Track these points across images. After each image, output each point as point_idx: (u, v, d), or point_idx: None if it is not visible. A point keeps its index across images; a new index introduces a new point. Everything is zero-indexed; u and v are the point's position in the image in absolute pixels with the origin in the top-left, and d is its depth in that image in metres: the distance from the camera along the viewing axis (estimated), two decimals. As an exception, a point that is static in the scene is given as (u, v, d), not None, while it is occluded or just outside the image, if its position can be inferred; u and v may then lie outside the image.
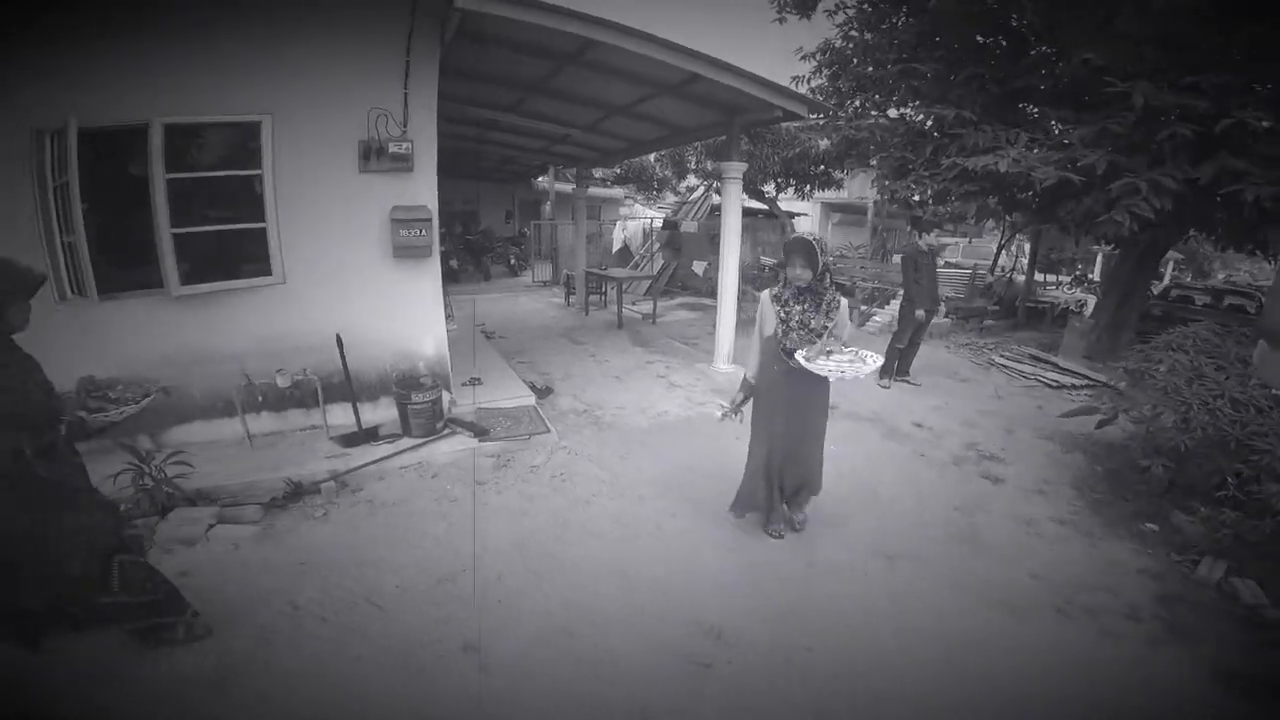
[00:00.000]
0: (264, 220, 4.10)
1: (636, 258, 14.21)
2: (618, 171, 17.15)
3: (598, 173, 16.15)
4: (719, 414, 3.44)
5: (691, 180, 15.52)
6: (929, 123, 7.28)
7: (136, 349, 3.98)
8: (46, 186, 3.74)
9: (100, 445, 4.13)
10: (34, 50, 3.63)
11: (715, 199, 13.90)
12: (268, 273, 4.13)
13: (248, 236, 4.11)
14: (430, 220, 4.43)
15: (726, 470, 3.82)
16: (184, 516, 3.37)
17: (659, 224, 14.56)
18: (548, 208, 16.95)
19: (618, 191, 20.85)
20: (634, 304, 10.54)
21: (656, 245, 13.07)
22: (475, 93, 6.55)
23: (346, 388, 4.30)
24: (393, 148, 4.30)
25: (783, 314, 2.90)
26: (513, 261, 16.27)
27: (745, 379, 3.24)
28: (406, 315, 4.56)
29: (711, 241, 11.70)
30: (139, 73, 3.78)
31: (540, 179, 17.27)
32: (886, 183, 8.08)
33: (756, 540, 3.33)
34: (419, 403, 4.24)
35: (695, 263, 11.65)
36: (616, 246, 15.13)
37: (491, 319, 9.49)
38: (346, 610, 2.71)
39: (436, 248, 4.54)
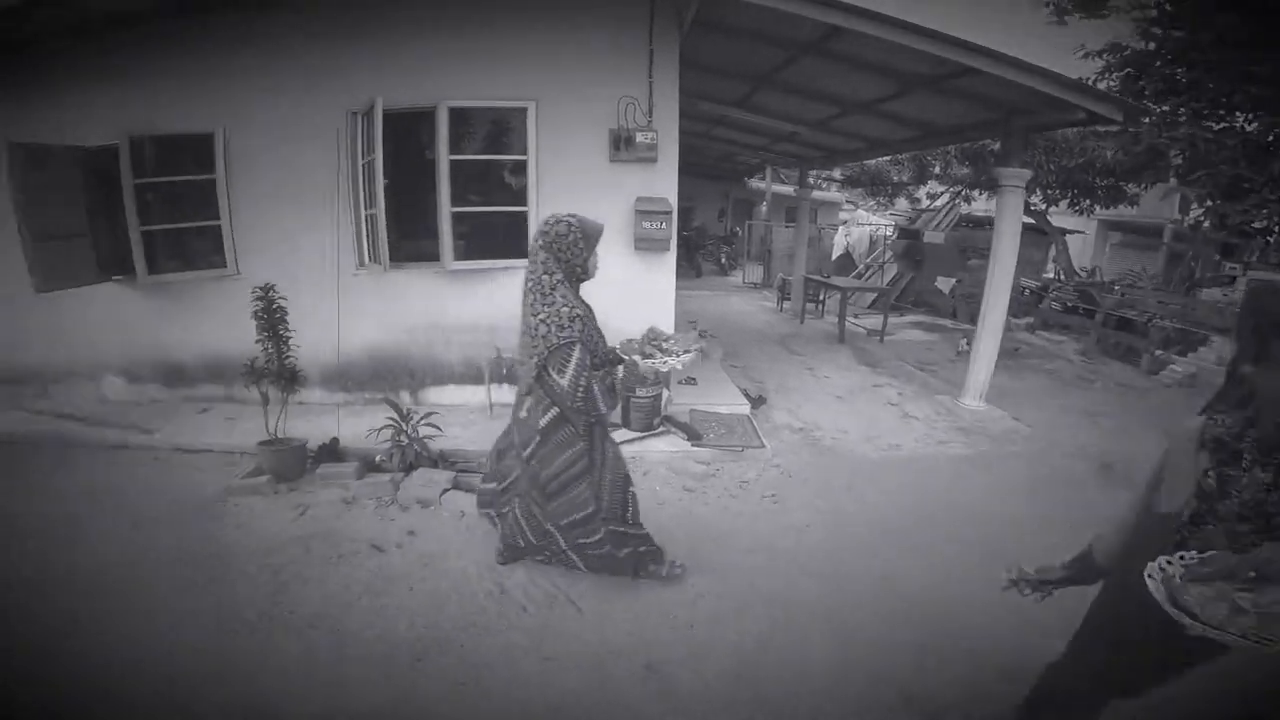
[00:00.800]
0: (526, 205, 4.41)
1: (860, 266, 13.30)
2: (846, 174, 16.26)
3: (818, 174, 15.47)
4: (1004, 578, 1.67)
5: (934, 187, 14.11)
6: (1270, 135, 5.77)
7: (413, 314, 4.57)
8: (356, 163, 4.42)
9: (361, 399, 4.88)
10: (345, 39, 4.29)
11: (965, 208, 12.47)
12: (524, 255, 4.44)
13: (510, 219, 4.48)
14: (671, 214, 4.44)
15: (983, 532, 3.26)
16: (426, 477, 3.74)
17: (888, 232, 13.49)
18: (763, 208, 16.65)
19: (837, 195, 19.86)
20: (856, 316, 9.84)
21: (889, 255, 12.07)
22: (704, 86, 6.53)
23: None
24: (640, 137, 4.38)
25: None
26: (723, 260, 16.30)
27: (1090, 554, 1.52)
28: (642, 307, 4.63)
29: (962, 255, 10.45)
30: (429, 59, 4.28)
31: (755, 178, 17.06)
32: (1211, 203, 6.59)
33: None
34: (642, 397, 4.29)
35: (940, 279, 10.49)
36: (837, 253, 14.34)
37: (704, 318, 9.50)
38: (547, 605, 2.74)
39: (674, 242, 4.54)
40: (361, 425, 4.43)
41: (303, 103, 4.45)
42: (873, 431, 5.02)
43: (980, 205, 13.35)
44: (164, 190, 4.60)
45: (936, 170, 13.14)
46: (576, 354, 2.11)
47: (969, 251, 10.61)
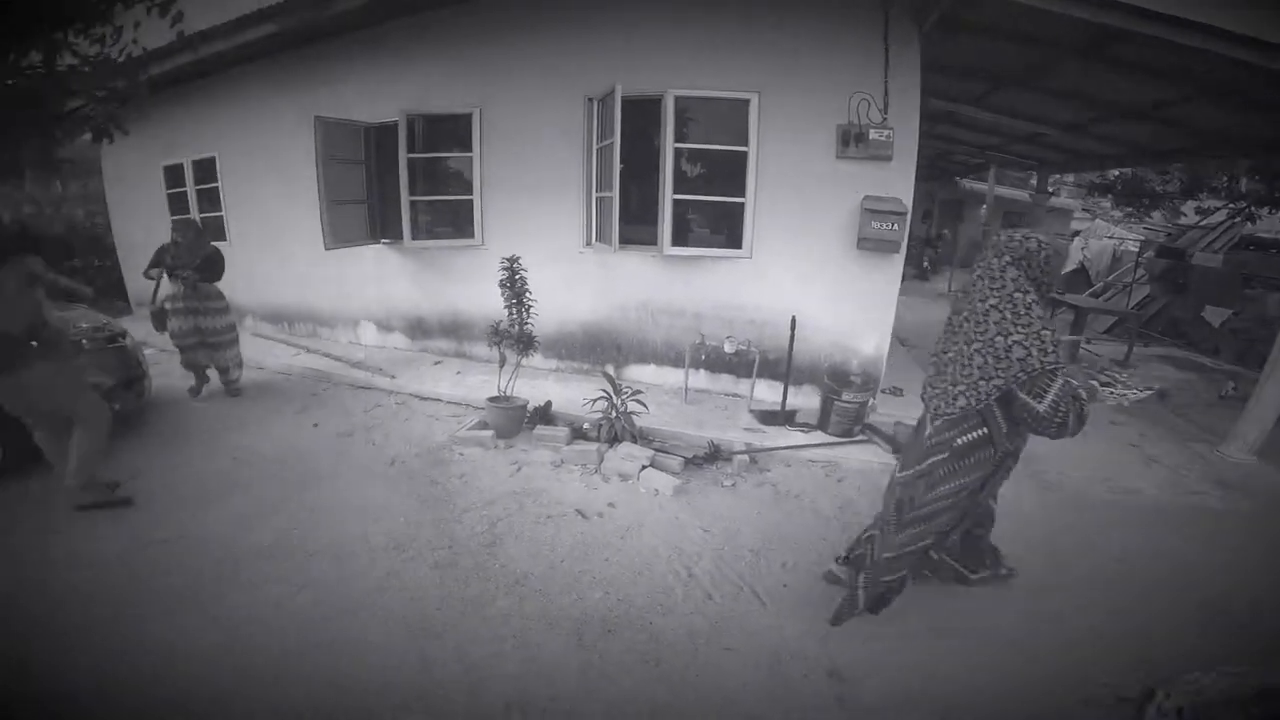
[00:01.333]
0: (743, 196, 4.45)
1: (1097, 285, 11.64)
2: (1090, 180, 14.25)
3: (1057, 179, 13.69)
4: None
5: (1208, 201, 11.87)
6: None
7: (627, 294, 4.83)
8: (591, 147, 4.73)
9: (570, 367, 5.23)
10: (585, 25, 4.60)
11: (1248, 228, 10.36)
12: (738, 245, 4.50)
13: (725, 210, 4.54)
14: (904, 214, 4.23)
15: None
16: (628, 452, 3.94)
17: (1134, 247, 11.61)
18: (982, 211, 15.17)
19: (1070, 201, 17.47)
20: (1088, 342, 8.64)
21: (1140, 274, 10.41)
22: (934, 82, 6.01)
23: (780, 368, 4.47)
24: (873, 134, 4.21)
25: None
26: (926, 264, 15.15)
27: None
28: (855, 308, 4.50)
29: (1241, 284, 8.72)
30: (658, 49, 4.44)
31: (969, 178, 15.54)
32: None
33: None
34: (847, 401, 4.15)
35: (1209, 308, 8.83)
36: (1069, 267, 12.64)
37: (903, 324, 8.92)
38: (732, 596, 2.76)
39: (904, 243, 4.31)
40: (569, 392, 4.81)
41: (546, 87, 4.88)
42: (1105, 471, 4.40)
43: (1266, 225, 10.99)
44: (429, 165, 5.32)
45: (1224, 183, 11.03)
46: (1060, 380, 2.08)
47: (1252, 280, 8.79)
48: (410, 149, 5.22)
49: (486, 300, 5.38)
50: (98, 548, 3.08)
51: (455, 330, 5.70)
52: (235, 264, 6.22)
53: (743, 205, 4.49)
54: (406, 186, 5.15)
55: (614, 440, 4.05)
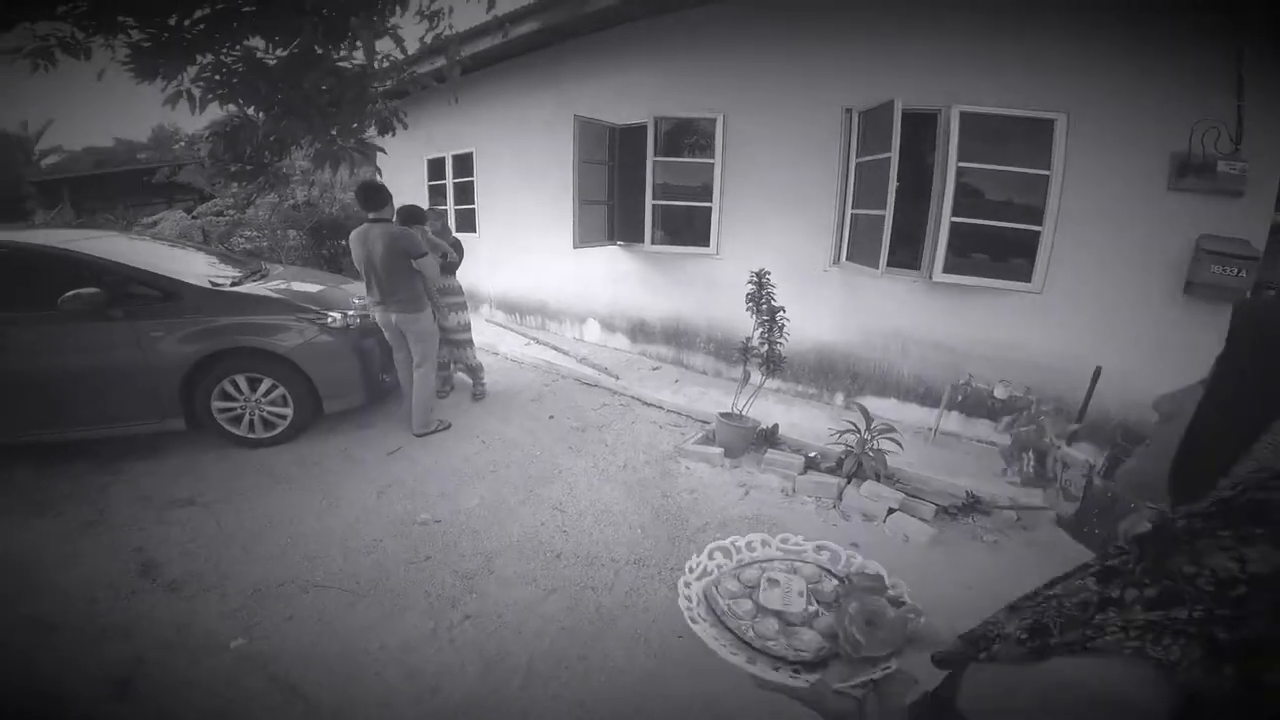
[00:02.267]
0: (1039, 224, 3.91)
1: None
2: None
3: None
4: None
5: None
6: None
7: (873, 319, 4.49)
8: (848, 162, 4.43)
9: (794, 390, 4.99)
10: (843, 36, 4.33)
11: None
12: (1026, 279, 3.98)
13: (1014, 237, 4.03)
14: (1254, 260, 3.45)
15: None
16: (874, 491, 3.63)
17: None
18: None
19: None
20: None
21: None
22: None
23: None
24: (1222, 166, 3.49)
25: None
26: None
27: None
28: (1168, 363, 3.77)
29: None
30: (938, 63, 4.03)
31: None
32: None
33: None
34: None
35: None
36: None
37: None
38: None
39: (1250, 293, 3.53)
40: (793, 416, 4.59)
41: (797, 95, 4.70)
42: None
43: None
44: (667, 169, 5.36)
45: None
46: None
47: None
48: (657, 151, 5.31)
49: (713, 310, 5.33)
50: (368, 529, 3.43)
51: (676, 337, 5.72)
52: (479, 255, 6.79)
53: (1037, 234, 3.95)
54: (651, 190, 5.22)
55: (851, 476, 3.76)
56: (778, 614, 1.01)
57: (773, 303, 4.02)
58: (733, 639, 0.98)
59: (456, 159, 7.94)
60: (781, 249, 4.87)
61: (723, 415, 4.24)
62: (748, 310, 4.08)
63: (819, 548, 1.17)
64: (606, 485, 3.89)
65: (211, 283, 4.15)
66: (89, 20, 2.44)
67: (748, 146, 4.98)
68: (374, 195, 4.08)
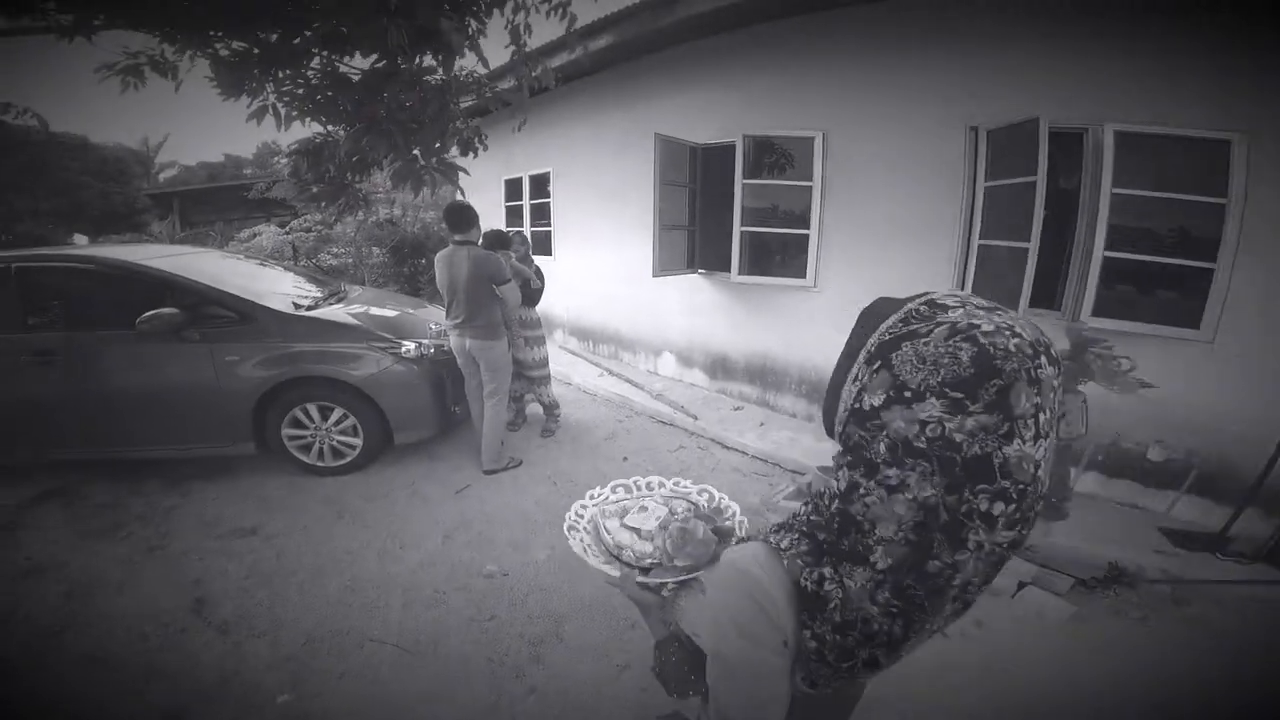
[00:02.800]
0: (1212, 261, 3.31)
1: None
2: None
3: None
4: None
5: None
6: None
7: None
8: (973, 186, 3.93)
9: None
10: (964, 46, 3.90)
11: None
12: (1194, 325, 3.36)
13: (1178, 275, 3.43)
14: None
15: None
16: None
17: None
18: None
19: None
20: None
21: None
22: None
23: (1219, 484, 3.33)
24: None
25: None
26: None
27: None
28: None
29: None
30: (1085, 76, 3.51)
31: None
32: None
33: None
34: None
35: None
36: None
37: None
38: None
39: None
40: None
41: (910, 112, 4.25)
42: None
43: None
44: (761, 192, 4.97)
45: None
46: None
47: None
48: (749, 174, 4.93)
49: (807, 348, 4.89)
50: (430, 578, 3.15)
51: (762, 375, 5.29)
52: (554, 279, 6.59)
53: (1210, 272, 3.34)
54: (740, 215, 4.85)
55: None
56: (635, 530, 1.23)
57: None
58: (600, 549, 1.25)
59: (533, 179, 7.85)
60: (890, 283, 4.39)
61: (824, 469, 3.78)
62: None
63: (701, 490, 1.40)
64: None
65: (294, 304, 4.08)
66: (178, 32, 2.33)
67: (851, 168, 4.56)
68: (462, 217, 3.96)
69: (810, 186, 4.67)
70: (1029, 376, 0.61)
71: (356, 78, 2.89)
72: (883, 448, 0.66)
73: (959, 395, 0.61)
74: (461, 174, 3.42)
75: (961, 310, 0.66)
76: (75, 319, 3.72)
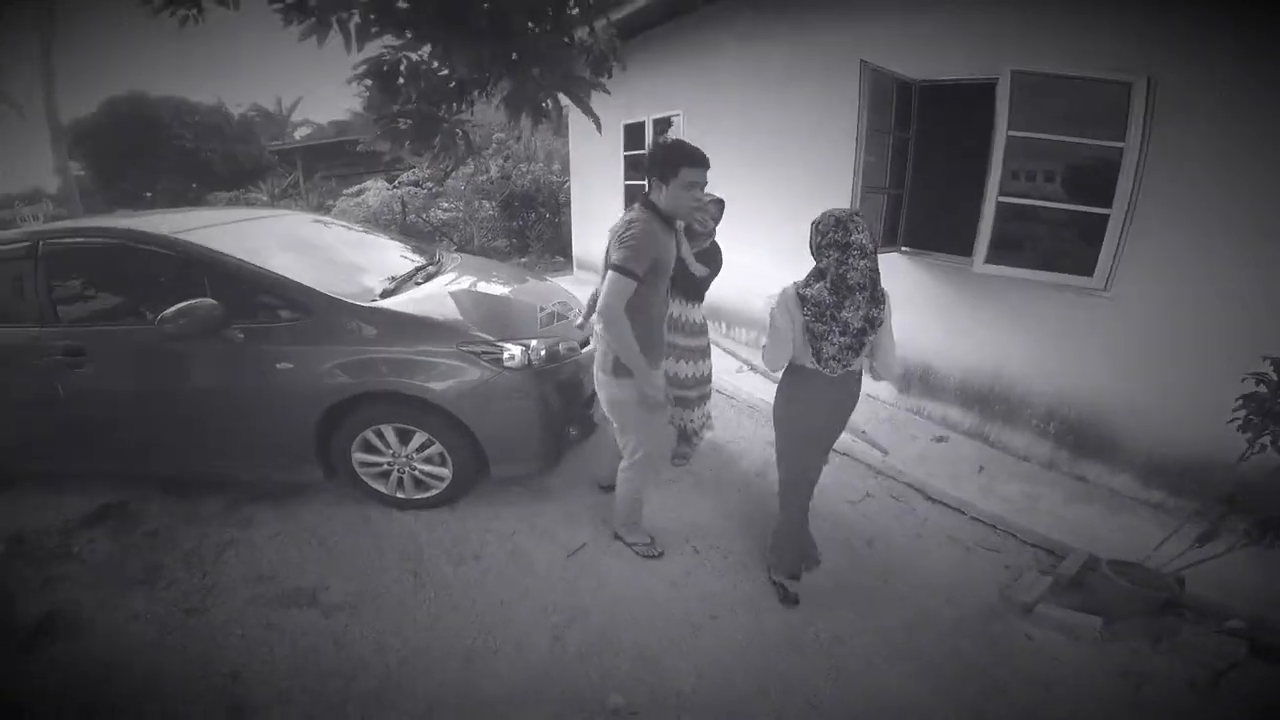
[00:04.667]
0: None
1: None
2: None
3: None
4: None
5: None
6: None
7: None
8: None
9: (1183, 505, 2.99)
10: None
11: None
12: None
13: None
14: None
15: None
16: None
17: None
18: None
19: None
20: None
21: None
22: None
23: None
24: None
25: None
26: None
27: None
28: None
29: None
30: None
31: None
32: None
33: None
34: None
35: None
36: None
37: None
38: None
39: None
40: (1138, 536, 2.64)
41: None
42: None
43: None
44: (1030, 151, 3.33)
45: None
46: None
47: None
48: (1016, 124, 3.22)
49: (1070, 371, 3.39)
50: (536, 707, 2.10)
51: (985, 400, 3.80)
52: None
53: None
54: (997, 180, 3.25)
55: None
56: None
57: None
58: None
59: (659, 124, 6.51)
60: (1249, 302, 2.77)
61: (1114, 564, 2.43)
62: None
63: None
64: (893, 661, 2.35)
65: (373, 289, 3.09)
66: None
67: (1199, 123, 2.82)
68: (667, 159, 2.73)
69: (1120, 148, 2.99)
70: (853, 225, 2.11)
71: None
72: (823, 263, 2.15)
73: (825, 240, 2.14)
74: (602, 94, 2.25)
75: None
76: (104, 311, 2.98)
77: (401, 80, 2.08)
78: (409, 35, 1.84)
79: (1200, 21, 2.75)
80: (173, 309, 2.52)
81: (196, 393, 2.95)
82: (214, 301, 2.59)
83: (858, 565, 2.88)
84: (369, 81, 2.07)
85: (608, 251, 2.38)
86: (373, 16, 1.88)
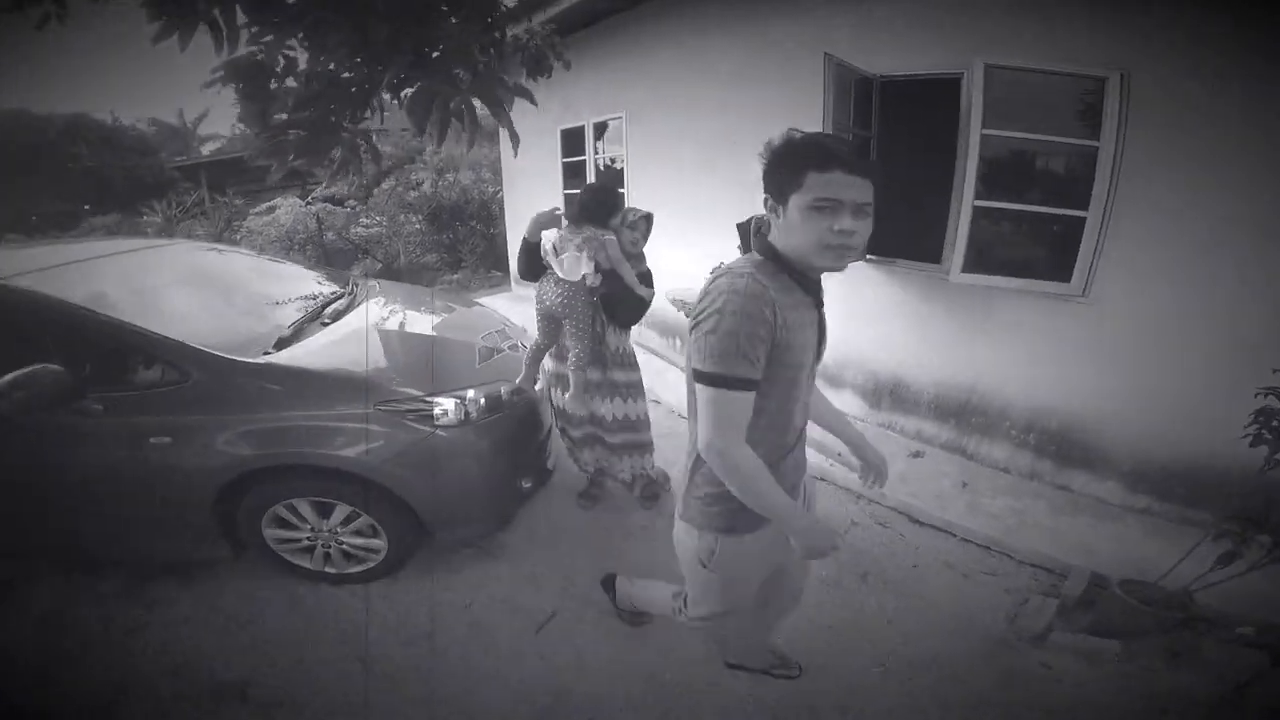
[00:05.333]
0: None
1: None
2: None
3: None
4: None
5: None
6: None
7: None
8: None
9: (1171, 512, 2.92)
10: None
11: None
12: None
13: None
14: None
15: None
16: None
17: None
18: None
19: None
20: None
21: None
22: None
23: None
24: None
25: None
26: None
27: None
28: None
29: None
30: None
31: None
32: None
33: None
34: None
35: None
36: None
37: None
38: None
39: None
40: (1156, 549, 2.54)
41: None
42: None
43: None
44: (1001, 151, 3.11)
45: None
46: None
47: None
48: (991, 120, 2.97)
49: (1050, 383, 3.22)
50: None
51: (960, 414, 3.60)
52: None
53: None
54: (973, 183, 3.01)
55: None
56: None
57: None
58: None
59: (599, 129, 6.13)
60: (1229, 303, 2.65)
61: (1127, 584, 2.28)
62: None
63: None
64: (913, 714, 2.13)
65: (269, 336, 2.56)
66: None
67: (1176, 116, 2.67)
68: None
69: (1094, 148, 2.82)
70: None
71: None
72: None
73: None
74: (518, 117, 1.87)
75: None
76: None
77: (274, 83, 1.63)
78: (275, 20, 1.41)
79: (1174, 15, 2.61)
80: (4, 379, 1.96)
81: (58, 472, 2.37)
82: (58, 368, 2.04)
83: (856, 608, 2.60)
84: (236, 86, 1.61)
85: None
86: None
